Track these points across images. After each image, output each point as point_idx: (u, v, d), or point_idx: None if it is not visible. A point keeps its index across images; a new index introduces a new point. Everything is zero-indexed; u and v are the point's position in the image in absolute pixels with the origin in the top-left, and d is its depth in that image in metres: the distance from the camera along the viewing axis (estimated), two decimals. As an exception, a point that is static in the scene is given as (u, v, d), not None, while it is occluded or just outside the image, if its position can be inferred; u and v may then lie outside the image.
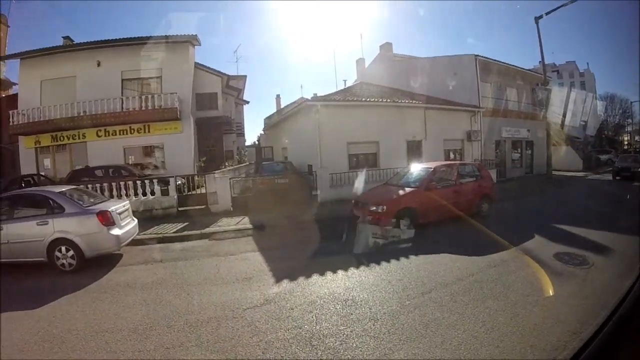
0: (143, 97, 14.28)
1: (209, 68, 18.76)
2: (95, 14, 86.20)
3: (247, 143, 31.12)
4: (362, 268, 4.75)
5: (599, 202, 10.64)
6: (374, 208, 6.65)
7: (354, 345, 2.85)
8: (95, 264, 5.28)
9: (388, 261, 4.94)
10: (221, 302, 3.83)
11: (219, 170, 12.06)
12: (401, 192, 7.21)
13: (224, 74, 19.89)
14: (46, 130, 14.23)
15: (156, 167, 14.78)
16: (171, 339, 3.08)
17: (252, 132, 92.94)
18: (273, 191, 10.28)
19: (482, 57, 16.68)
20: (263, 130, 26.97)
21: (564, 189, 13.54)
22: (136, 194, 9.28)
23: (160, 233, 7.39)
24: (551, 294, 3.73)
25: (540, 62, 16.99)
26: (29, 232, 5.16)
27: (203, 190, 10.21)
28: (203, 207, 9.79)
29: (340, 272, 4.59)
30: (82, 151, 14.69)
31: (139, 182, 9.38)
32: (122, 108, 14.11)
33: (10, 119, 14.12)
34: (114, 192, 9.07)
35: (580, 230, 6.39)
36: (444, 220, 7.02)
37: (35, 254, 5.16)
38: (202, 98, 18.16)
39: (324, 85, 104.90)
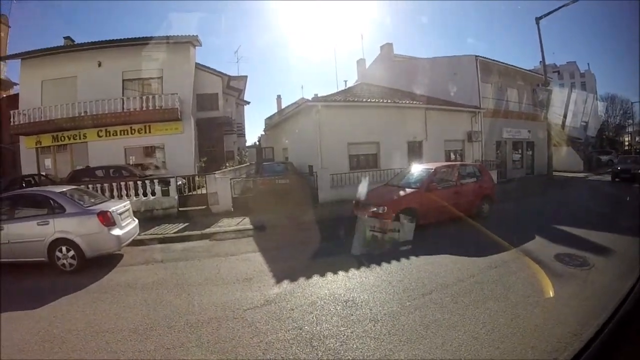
0: (144, 97, 14.28)
1: (209, 68, 18.78)
2: (96, 14, 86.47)
3: (248, 143, 31.20)
4: (362, 269, 4.74)
5: (599, 202, 10.62)
6: (375, 209, 6.65)
7: (355, 346, 2.85)
8: (96, 264, 5.29)
9: (388, 262, 4.94)
10: (222, 302, 3.83)
11: (219, 171, 12.07)
12: (402, 192, 7.21)
13: (225, 75, 19.91)
14: (47, 131, 14.24)
15: (157, 167, 14.79)
16: (172, 339, 3.08)
17: (253, 132, 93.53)
18: (274, 192, 10.29)
19: (483, 57, 16.69)
20: (264, 130, 27.05)
21: (565, 190, 13.50)
22: (137, 195, 9.29)
23: (161, 233, 7.40)
24: (552, 295, 3.73)
25: (540, 62, 17.08)
26: (30, 232, 5.17)
27: (204, 191, 10.21)
28: (204, 207, 9.79)
29: (340, 273, 4.59)
30: (83, 151, 14.70)
31: (139, 183, 9.39)
32: (123, 108, 14.12)
33: (11, 119, 14.14)
34: (115, 193, 9.08)
35: (580, 231, 6.37)
36: (444, 221, 7.02)
37: (36, 254, 5.17)
38: (203, 98, 18.19)
39: (324, 85, 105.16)
